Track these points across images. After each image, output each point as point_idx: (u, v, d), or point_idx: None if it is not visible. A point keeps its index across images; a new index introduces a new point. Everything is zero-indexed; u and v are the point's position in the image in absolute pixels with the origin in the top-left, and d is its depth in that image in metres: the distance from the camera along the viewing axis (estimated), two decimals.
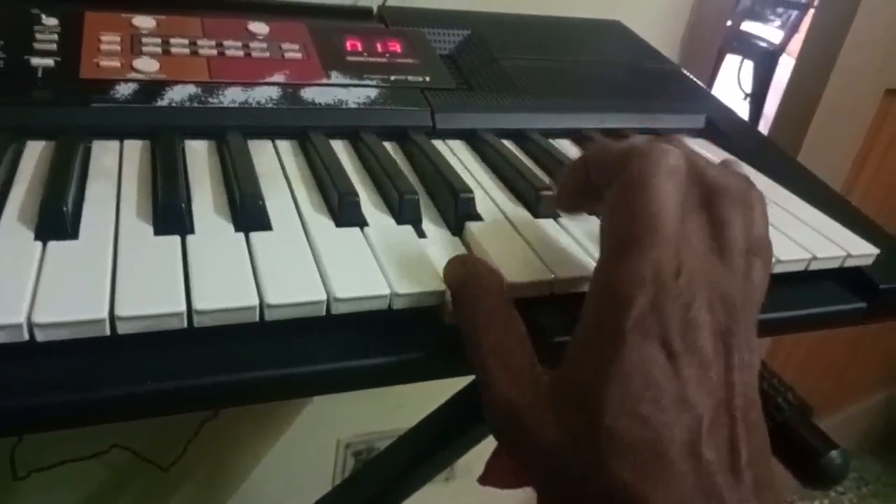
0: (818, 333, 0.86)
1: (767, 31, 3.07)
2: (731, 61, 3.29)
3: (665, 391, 0.23)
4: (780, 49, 3.00)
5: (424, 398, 0.59)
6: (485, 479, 0.57)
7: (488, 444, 0.48)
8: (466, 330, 0.28)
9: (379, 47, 0.50)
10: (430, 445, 0.63)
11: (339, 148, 0.43)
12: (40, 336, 0.26)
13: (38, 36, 0.43)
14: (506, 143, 0.47)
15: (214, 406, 0.30)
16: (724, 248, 0.26)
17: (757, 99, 3.18)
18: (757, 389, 0.25)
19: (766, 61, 3.04)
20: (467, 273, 0.30)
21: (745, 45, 3.07)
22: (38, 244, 0.30)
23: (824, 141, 1.00)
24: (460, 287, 0.30)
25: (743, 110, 3.42)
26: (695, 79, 0.58)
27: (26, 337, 0.26)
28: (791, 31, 3.00)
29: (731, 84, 3.48)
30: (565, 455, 0.24)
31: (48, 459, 0.78)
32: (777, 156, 0.53)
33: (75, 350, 0.26)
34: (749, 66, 3.25)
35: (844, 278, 0.40)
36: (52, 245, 0.30)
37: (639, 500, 0.22)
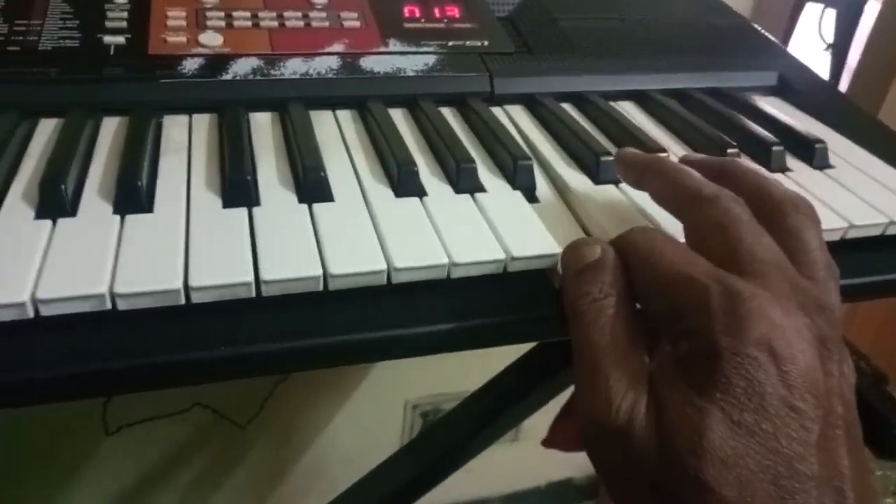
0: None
1: None
2: (811, 10, 3.11)
3: (770, 397, 0.22)
4: None
5: (490, 361, 0.60)
6: (549, 442, 0.57)
7: (554, 406, 0.49)
8: (578, 322, 0.26)
9: (437, 12, 0.50)
10: (496, 407, 0.64)
11: (398, 116, 0.43)
12: (122, 305, 0.28)
13: (110, 14, 0.45)
14: (566, 106, 0.46)
15: (284, 370, 0.31)
16: (803, 262, 0.26)
17: (839, 50, 3.00)
18: (854, 394, 0.24)
19: (849, 9, 2.86)
20: (592, 263, 0.28)
21: None
22: (117, 218, 0.31)
23: None
24: (579, 275, 0.28)
25: (824, 62, 3.23)
26: (766, 33, 0.56)
27: (109, 306, 0.27)
28: None
29: (812, 34, 3.29)
30: (666, 468, 0.23)
31: (136, 416, 0.84)
32: (855, 114, 0.50)
33: (154, 317, 0.28)
34: (831, 14, 3.06)
35: None
36: (130, 218, 0.31)
37: None
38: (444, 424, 0.70)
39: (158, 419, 0.84)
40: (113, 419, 0.82)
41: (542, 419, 0.64)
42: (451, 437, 0.66)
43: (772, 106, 0.49)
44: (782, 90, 0.52)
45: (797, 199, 0.28)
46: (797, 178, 0.40)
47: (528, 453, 1.06)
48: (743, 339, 0.22)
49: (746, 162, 0.30)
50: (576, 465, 1.22)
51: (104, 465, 0.87)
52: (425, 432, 0.73)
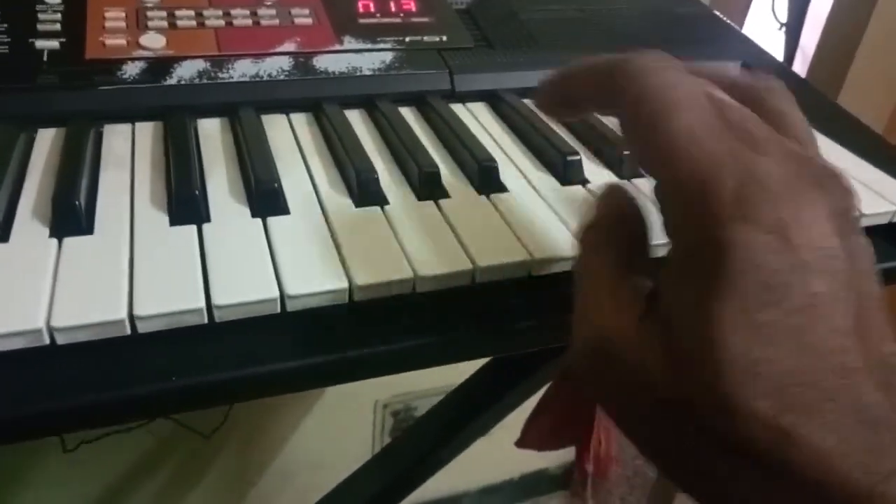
0: None
1: None
2: None
3: (792, 286, 0.18)
4: None
5: None
6: (522, 442, 0.56)
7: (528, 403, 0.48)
8: (583, 250, 0.24)
9: (392, 6, 0.48)
10: (467, 412, 0.63)
11: (355, 118, 0.41)
12: (61, 339, 0.25)
13: (42, 16, 0.42)
14: (528, 102, 0.45)
15: (243, 399, 0.29)
16: (794, 139, 0.22)
17: (792, 30, 3.05)
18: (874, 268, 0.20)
19: None
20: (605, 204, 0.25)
21: None
22: (54, 241, 0.29)
23: (869, 77, 0.95)
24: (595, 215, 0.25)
25: (778, 41, 3.29)
26: (728, 21, 0.55)
27: (47, 341, 0.25)
28: None
29: (766, 14, 3.34)
30: (681, 396, 0.19)
31: (94, 432, 0.80)
32: (817, 100, 0.50)
33: (98, 349, 0.26)
34: None
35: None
36: (68, 242, 0.29)
37: (783, 434, 0.18)
38: (414, 432, 0.69)
39: (119, 433, 0.81)
40: (70, 436, 0.79)
41: (514, 412, 0.64)
42: (422, 444, 0.65)
43: None
44: None
45: (768, 80, 0.24)
46: None
47: (500, 445, 1.06)
48: (757, 223, 0.18)
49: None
50: (549, 455, 1.22)
51: (66, 483, 0.84)
52: (396, 441, 0.72)
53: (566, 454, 1.20)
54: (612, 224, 0.25)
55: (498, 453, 1.10)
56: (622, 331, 0.21)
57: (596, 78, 0.25)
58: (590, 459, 0.63)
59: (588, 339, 0.22)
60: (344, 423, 0.96)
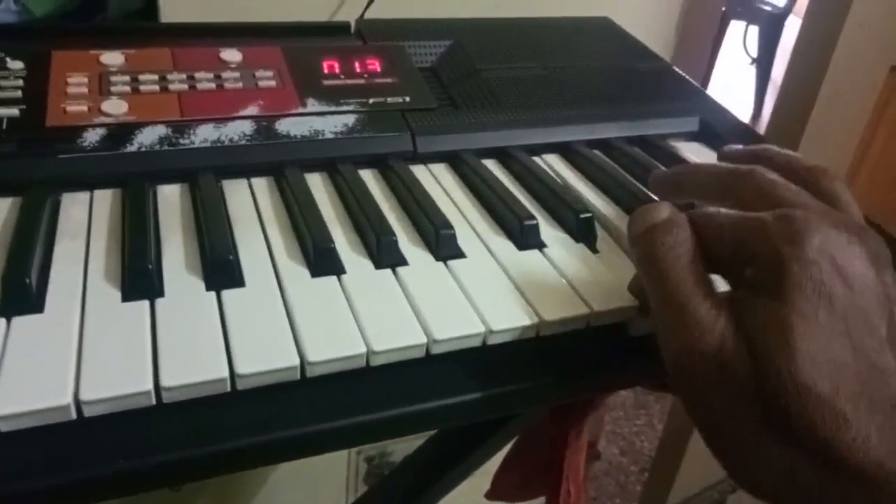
0: None
1: None
2: (736, 27, 3.23)
3: (838, 297, 0.24)
4: (785, 12, 2.93)
5: None
6: (492, 495, 0.56)
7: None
8: (659, 267, 0.28)
9: (357, 67, 0.49)
10: (445, 457, 0.63)
11: (316, 182, 0.41)
12: (3, 426, 0.25)
13: (3, 83, 0.42)
14: (490, 162, 0.46)
15: (190, 479, 0.29)
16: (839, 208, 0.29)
17: (763, 63, 3.13)
18: None
19: (771, 25, 2.98)
20: (664, 220, 0.29)
21: (750, 10, 3.01)
22: (2, 321, 0.29)
23: (834, 108, 0.97)
24: (652, 230, 0.29)
25: (750, 75, 3.36)
26: (688, 77, 0.56)
27: None
28: None
29: (738, 50, 3.41)
30: (760, 379, 0.24)
31: None
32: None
33: (41, 434, 0.26)
34: (755, 30, 3.19)
35: None
36: (17, 322, 0.29)
37: (838, 416, 0.23)
38: (390, 480, 0.68)
39: None
40: None
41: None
42: (397, 494, 0.64)
43: (693, 153, 0.49)
44: (704, 134, 0.52)
45: (825, 167, 0.31)
46: None
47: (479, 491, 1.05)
48: (804, 247, 0.24)
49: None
50: None
51: None
52: (371, 490, 0.71)
53: None
54: (682, 224, 0.28)
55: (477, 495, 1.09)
56: (710, 340, 0.25)
57: (718, 179, 0.31)
58: None
59: (684, 358, 0.26)
60: (318, 470, 0.95)
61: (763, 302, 0.25)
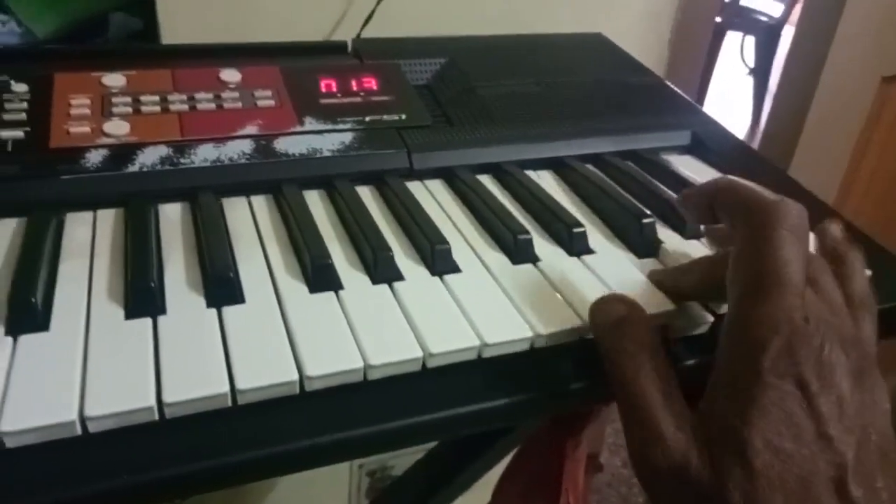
0: None
1: (767, 5, 3.02)
2: (732, 38, 3.25)
3: (805, 427, 0.25)
4: (781, 22, 2.96)
5: None
6: None
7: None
8: (622, 374, 0.28)
9: (354, 85, 0.50)
10: (447, 470, 0.63)
11: (314, 199, 0.42)
12: (10, 442, 0.26)
13: (7, 105, 0.43)
14: (485, 178, 0.46)
15: (199, 492, 0.30)
16: (848, 301, 0.29)
17: (760, 73, 3.15)
18: (891, 427, 0.27)
19: (767, 35, 3.00)
20: (622, 318, 0.30)
21: (746, 21, 3.03)
22: (9, 340, 0.29)
23: (827, 120, 0.98)
24: (613, 330, 0.30)
25: (747, 86, 3.38)
26: (680, 91, 0.57)
27: None
28: (792, 2, 2.95)
29: (735, 60, 3.44)
30: (720, 493, 0.25)
31: None
32: (766, 170, 0.52)
33: (47, 449, 0.26)
34: (751, 40, 3.21)
35: None
36: (23, 340, 0.30)
37: None
38: (391, 494, 0.69)
39: None
40: None
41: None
42: None
43: (686, 166, 0.50)
44: (696, 148, 0.53)
45: (850, 240, 0.33)
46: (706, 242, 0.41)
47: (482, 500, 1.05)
48: (784, 376, 0.25)
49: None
50: None
51: None
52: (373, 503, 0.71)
53: None
54: (640, 322, 0.29)
55: None
56: (679, 461, 0.26)
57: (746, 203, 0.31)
58: None
59: (645, 468, 0.27)
60: (319, 485, 0.95)
61: (730, 421, 0.26)
